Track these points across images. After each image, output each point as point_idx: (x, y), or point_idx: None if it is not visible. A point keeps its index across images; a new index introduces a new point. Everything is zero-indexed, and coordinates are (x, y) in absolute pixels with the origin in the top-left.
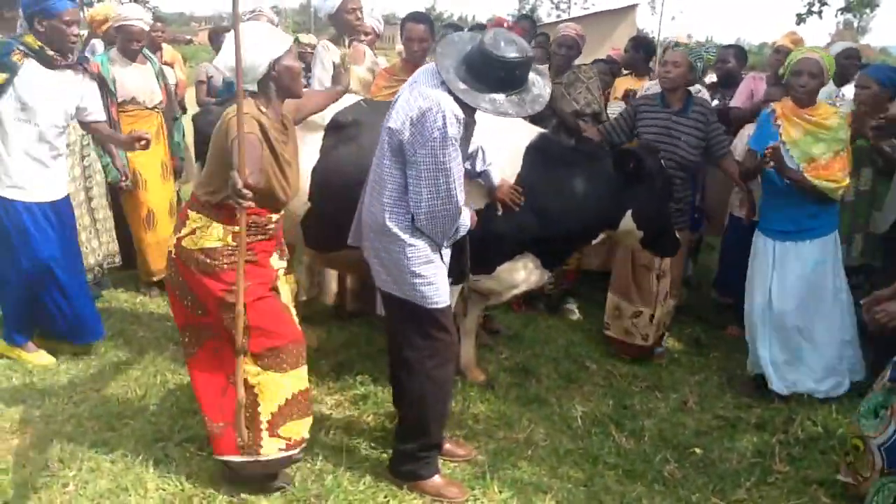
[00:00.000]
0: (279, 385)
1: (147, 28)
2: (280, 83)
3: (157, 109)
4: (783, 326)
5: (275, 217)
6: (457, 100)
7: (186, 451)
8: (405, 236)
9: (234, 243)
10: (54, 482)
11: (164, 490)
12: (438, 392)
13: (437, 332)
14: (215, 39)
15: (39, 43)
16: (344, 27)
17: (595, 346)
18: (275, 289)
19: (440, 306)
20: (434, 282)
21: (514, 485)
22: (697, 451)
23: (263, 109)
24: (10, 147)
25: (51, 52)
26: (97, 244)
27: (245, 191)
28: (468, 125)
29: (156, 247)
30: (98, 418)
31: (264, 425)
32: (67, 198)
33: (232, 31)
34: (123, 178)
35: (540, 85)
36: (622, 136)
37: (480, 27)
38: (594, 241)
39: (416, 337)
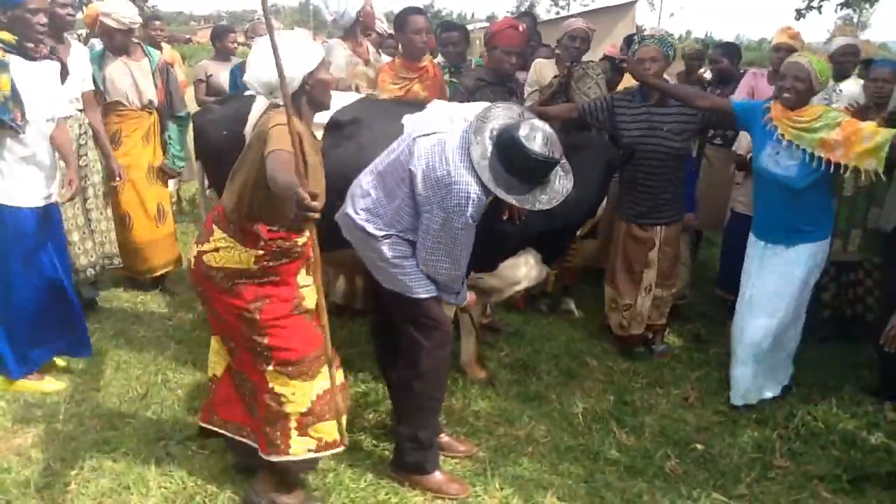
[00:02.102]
0: (305, 391)
1: (116, 25)
2: (312, 97)
3: (147, 109)
4: (756, 329)
5: (300, 241)
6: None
7: (188, 450)
8: (380, 234)
9: (256, 267)
10: (56, 481)
11: (166, 489)
12: (432, 377)
13: (424, 320)
14: (217, 39)
15: (13, 36)
16: (361, 29)
17: (595, 343)
18: (299, 308)
19: (422, 297)
20: (413, 273)
21: (515, 481)
22: (698, 446)
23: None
24: (11, 153)
25: (29, 45)
26: (90, 245)
27: (314, 203)
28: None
29: (136, 248)
30: (99, 417)
31: (293, 424)
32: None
33: (262, 39)
34: (118, 178)
35: (557, 185)
36: (596, 122)
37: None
38: (578, 232)
39: (409, 324)
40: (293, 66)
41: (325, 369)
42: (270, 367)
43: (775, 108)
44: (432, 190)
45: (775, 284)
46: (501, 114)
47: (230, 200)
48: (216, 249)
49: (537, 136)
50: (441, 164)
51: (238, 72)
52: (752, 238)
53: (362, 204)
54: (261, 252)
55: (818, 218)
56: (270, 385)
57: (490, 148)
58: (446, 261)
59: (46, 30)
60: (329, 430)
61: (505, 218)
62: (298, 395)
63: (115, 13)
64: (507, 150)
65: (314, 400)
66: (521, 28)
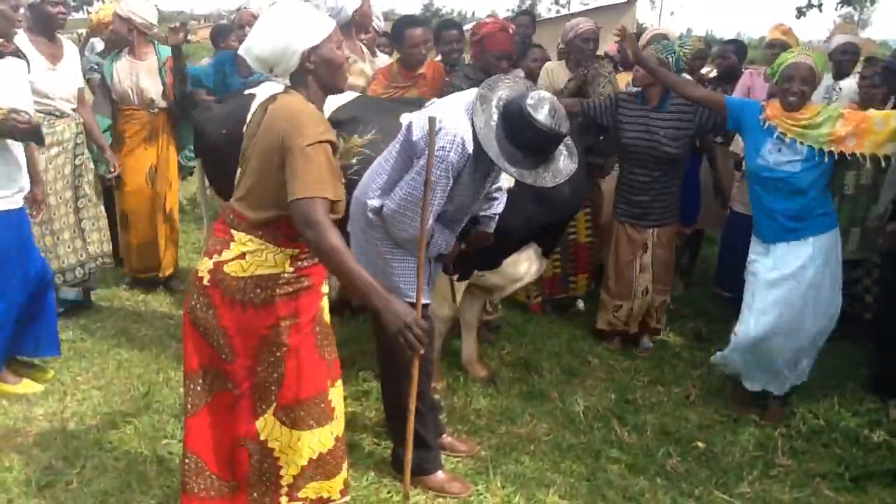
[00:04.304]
0: (302, 444)
1: (138, 20)
2: (318, 76)
3: (149, 109)
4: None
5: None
6: (476, 139)
7: None
8: (376, 218)
9: (292, 269)
10: (58, 480)
11: (168, 488)
12: (402, 386)
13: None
14: (219, 38)
15: None
16: (356, 29)
17: (597, 341)
18: (318, 325)
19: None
20: (400, 270)
21: (516, 479)
22: (700, 444)
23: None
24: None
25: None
26: (80, 244)
27: (421, 332)
28: (485, 168)
29: (133, 248)
30: (101, 416)
31: (284, 489)
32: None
33: (261, 19)
34: (112, 171)
35: (561, 164)
36: (605, 120)
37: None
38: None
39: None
40: (290, 38)
41: (334, 425)
42: (269, 413)
43: (772, 107)
44: (424, 138)
45: (787, 287)
46: (509, 84)
47: (248, 197)
48: (242, 255)
49: (544, 106)
50: (440, 112)
51: (226, 57)
52: (754, 240)
53: (366, 175)
54: (297, 250)
55: (819, 211)
56: (263, 438)
57: (496, 117)
58: (413, 205)
59: (20, 24)
60: (321, 488)
61: (462, 246)
62: (296, 447)
63: (137, 7)
64: (513, 119)
65: (313, 459)
66: (511, 30)
